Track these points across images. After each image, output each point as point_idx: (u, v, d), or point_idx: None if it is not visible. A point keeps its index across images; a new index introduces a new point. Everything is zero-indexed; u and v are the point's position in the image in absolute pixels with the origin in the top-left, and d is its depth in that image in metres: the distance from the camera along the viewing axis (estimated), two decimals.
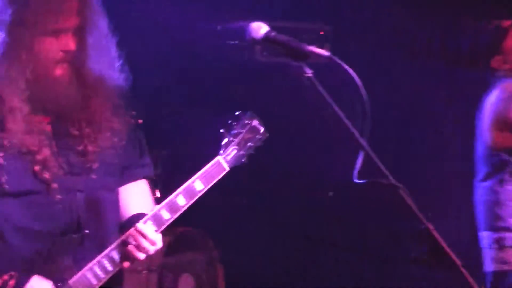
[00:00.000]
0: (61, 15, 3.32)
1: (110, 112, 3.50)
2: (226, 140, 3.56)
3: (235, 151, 3.56)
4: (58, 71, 3.36)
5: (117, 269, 3.42)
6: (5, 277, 3.25)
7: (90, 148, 3.45)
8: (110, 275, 3.42)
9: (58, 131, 3.43)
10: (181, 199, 3.46)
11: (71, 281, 3.36)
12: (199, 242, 6.32)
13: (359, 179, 2.89)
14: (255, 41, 3.08)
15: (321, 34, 6.28)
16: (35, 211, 3.34)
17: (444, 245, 2.83)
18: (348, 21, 6.39)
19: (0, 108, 3.32)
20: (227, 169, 3.53)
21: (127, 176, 3.63)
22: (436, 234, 2.83)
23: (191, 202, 3.48)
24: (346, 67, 2.90)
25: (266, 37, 3.05)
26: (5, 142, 3.30)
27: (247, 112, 3.61)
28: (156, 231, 3.43)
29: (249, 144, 3.59)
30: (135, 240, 3.39)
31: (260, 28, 3.05)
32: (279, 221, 6.69)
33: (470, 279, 2.81)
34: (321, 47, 3.02)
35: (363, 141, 2.89)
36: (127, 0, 5.90)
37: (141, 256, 3.41)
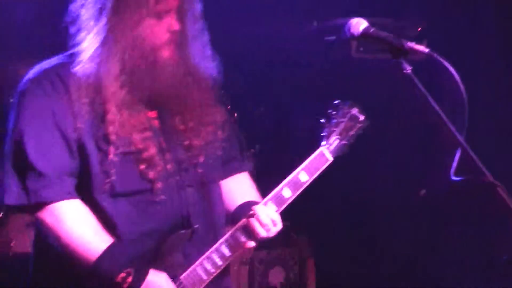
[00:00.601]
0: None
1: (210, 103, 3.46)
2: (327, 130, 3.52)
3: (337, 141, 3.52)
4: (166, 53, 3.30)
5: (226, 263, 3.40)
6: (123, 274, 3.23)
7: (195, 142, 3.42)
8: (219, 270, 3.40)
9: (165, 126, 3.39)
10: (286, 191, 3.44)
11: (182, 277, 3.36)
12: (292, 237, 6.33)
13: (456, 177, 2.87)
14: (353, 37, 3.07)
15: (419, 30, 6.21)
16: (146, 209, 3.31)
17: None
18: (446, 17, 6.31)
19: (101, 99, 3.26)
20: (331, 159, 3.50)
21: (231, 169, 3.62)
22: None
23: (297, 194, 3.45)
24: (446, 63, 2.88)
25: (365, 33, 3.04)
26: (113, 137, 3.26)
27: (346, 101, 3.56)
28: None
29: (350, 133, 3.55)
30: (256, 218, 3.35)
31: (359, 24, 3.05)
32: (372, 219, 6.65)
33: None
34: (419, 44, 2.99)
35: (461, 138, 2.87)
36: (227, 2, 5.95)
37: (263, 232, 3.37)
